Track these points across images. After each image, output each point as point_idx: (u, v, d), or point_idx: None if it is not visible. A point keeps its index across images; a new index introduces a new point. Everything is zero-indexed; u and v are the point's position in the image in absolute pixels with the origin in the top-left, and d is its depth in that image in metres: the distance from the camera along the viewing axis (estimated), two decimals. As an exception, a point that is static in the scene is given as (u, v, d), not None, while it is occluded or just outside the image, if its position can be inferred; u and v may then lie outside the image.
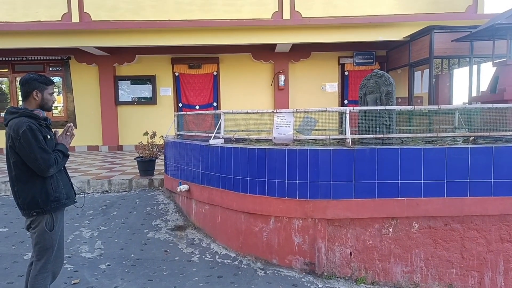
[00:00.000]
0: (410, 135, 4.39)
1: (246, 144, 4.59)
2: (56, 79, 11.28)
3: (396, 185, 3.74)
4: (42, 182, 2.60)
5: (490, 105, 4.29)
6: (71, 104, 11.03)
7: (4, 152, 2.69)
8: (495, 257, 3.82)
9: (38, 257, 2.70)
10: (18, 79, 10.92)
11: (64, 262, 3.99)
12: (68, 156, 2.77)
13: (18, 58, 10.72)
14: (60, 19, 9.24)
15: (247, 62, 10.97)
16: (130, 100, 11.04)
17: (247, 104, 10.75)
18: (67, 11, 9.23)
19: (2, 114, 9.79)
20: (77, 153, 10.65)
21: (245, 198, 4.18)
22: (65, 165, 2.79)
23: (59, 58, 10.81)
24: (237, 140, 4.98)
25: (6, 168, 2.67)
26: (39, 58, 10.76)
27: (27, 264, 2.85)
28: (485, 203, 3.70)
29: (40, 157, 2.50)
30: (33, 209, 2.61)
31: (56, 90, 11.36)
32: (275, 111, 4.25)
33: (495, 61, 6.38)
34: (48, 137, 2.64)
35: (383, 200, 3.77)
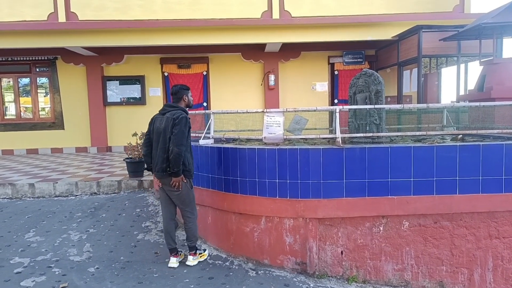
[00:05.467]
0: (399, 133, 4.42)
1: (236, 144, 4.56)
2: (42, 80, 11.13)
3: (386, 184, 3.75)
4: (184, 156, 3.61)
5: (477, 103, 4.35)
6: (58, 105, 10.87)
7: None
8: (484, 254, 3.85)
9: (187, 209, 3.85)
10: (4, 79, 10.89)
11: (52, 265, 3.94)
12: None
13: (3, 59, 10.53)
14: (46, 19, 9.10)
15: (237, 62, 10.95)
16: (119, 100, 10.93)
17: (237, 104, 10.73)
18: (53, 11, 9.10)
19: None
20: (65, 154, 10.50)
21: (235, 198, 4.15)
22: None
23: (46, 58, 10.65)
24: (227, 140, 4.95)
25: None
26: (25, 59, 10.59)
27: (166, 221, 3.93)
28: (474, 201, 3.73)
29: (181, 137, 3.53)
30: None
31: (43, 91, 11.19)
32: (265, 110, 4.22)
33: (482, 60, 6.47)
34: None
35: (373, 199, 3.77)
